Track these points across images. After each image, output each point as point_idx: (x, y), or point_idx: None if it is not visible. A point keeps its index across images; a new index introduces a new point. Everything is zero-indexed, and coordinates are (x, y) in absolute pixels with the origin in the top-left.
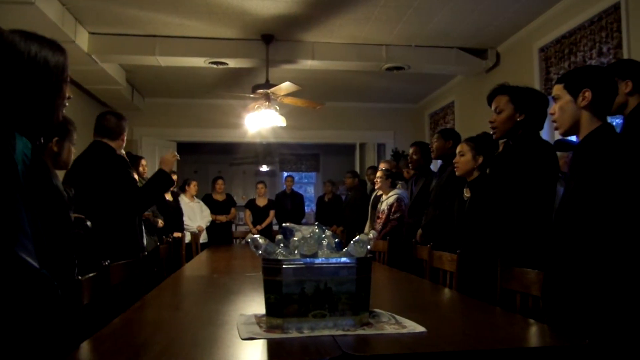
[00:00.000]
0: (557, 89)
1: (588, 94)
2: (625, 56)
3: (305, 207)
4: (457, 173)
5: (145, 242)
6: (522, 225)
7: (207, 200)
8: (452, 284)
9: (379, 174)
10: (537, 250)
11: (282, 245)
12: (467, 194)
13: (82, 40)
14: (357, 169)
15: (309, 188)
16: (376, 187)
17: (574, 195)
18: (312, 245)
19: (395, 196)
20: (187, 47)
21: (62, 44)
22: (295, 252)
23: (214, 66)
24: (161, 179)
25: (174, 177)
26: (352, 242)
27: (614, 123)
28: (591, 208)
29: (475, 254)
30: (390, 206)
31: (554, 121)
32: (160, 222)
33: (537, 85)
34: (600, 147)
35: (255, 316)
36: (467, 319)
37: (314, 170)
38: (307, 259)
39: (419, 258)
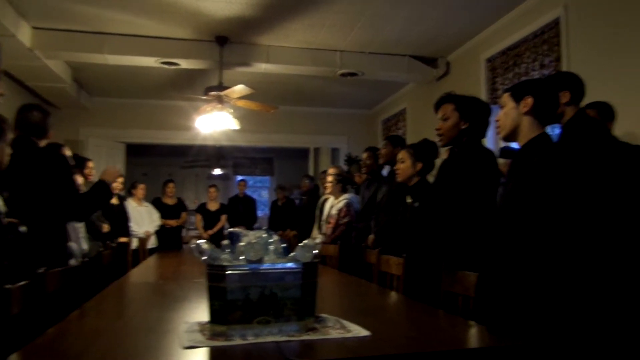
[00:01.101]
0: (504, 97)
1: (530, 100)
2: (565, 68)
3: (259, 212)
4: (397, 179)
5: (86, 247)
6: (464, 229)
7: (157, 204)
8: (399, 288)
9: (329, 178)
10: (480, 253)
11: (227, 250)
12: (408, 199)
13: (24, 34)
14: (312, 173)
15: (264, 192)
16: (326, 191)
17: (509, 197)
18: (258, 250)
19: (344, 201)
20: (138, 46)
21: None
22: (241, 257)
23: (166, 66)
24: (101, 189)
25: (121, 179)
26: (298, 246)
27: (554, 133)
28: (524, 209)
29: (421, 258)
30: (340, 211)
31: (498, 126)
32: (106, 227)
33: (483, 94)
34: (536, 153)
35: (199, 324)
36: (412, 321)
37: (268, 174)
38: (252, 264)
39: (368, 262)
